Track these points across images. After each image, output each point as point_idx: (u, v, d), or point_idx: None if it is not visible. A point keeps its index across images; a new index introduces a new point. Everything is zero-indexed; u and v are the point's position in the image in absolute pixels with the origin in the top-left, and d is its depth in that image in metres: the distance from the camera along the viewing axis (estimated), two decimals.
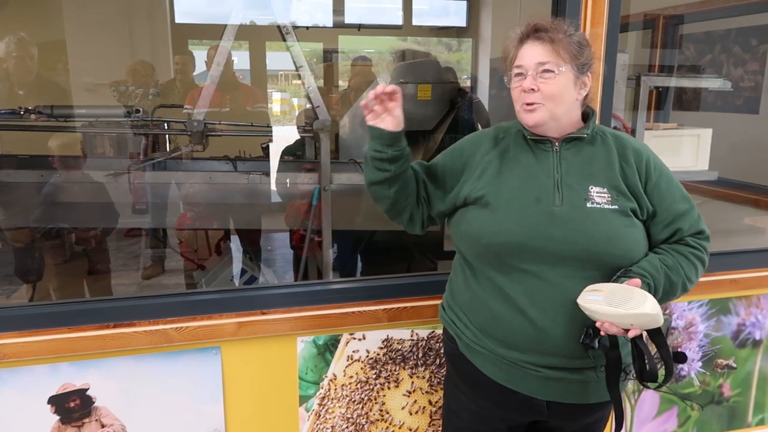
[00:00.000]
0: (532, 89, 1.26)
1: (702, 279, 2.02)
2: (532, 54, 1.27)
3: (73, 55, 4.67)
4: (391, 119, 1.32)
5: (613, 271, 1.25)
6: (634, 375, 1.23)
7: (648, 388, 1.24)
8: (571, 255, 1.24)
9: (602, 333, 1.19)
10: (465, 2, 5.75)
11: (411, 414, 1.89)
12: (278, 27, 2.74)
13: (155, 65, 4.27)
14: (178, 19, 5.21)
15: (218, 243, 3.03)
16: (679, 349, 1.46)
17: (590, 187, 1.28)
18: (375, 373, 1.82)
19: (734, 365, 2.12)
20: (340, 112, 3.58)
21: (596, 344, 1.21)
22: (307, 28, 3.14)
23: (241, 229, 3.10)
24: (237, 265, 3.01)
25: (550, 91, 1.26)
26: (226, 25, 2.70)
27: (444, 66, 3.12)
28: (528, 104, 1.28)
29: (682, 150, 2.83)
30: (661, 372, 1.21)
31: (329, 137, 2.58)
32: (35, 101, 2.63)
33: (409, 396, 1.87)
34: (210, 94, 2.58)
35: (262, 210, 2.82)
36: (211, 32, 5.16)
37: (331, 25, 3.53)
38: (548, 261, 1.25)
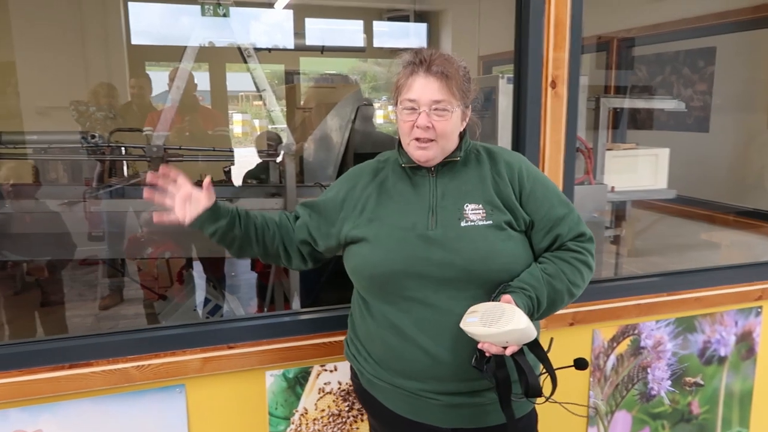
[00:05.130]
0: (428, 126, 1.25)
1: (667, 298, 2.08)
2: (428, 90, 1.24)
3: (24, 78, 4.51)
4: (186, 209, 1.29)
5: (496, 288, 1.24)
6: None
7: (536, 403, 1.23)
8: (451, 276, 1.24)
9: (487, 354, 1.18)
10: (425, 24, 5.83)
11: None
12: (239, 49, 2.70)
13: (112, 84, 4.15)
14: (134, 41, 5.09)
15: (180, 271, 2.92)
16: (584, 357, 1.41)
17: (465, 206, 1.29)
18: (347, 406, 1.77)
19: (702, 382, 2.15)
20: (303, 134, 3.55)
21: (484, 366, 1.20)
22: (269, 50, 3.10)
23: (203, 257, 3.00)
24: (200, 294, 2.91)
25: (443, 129, 1.26)
26: (185, 47, 2.64)
27: None
28: (421, 140, 1.26)
29: (641, 169, 2.90)
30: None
31: (294, 160, 2.54)
32: None
33: None
34: (170, 117, 2.52)
35: None
36: (169, 54, 5.07)
37: (292, 47, 3.51)
38: (430, 286, 1.25)
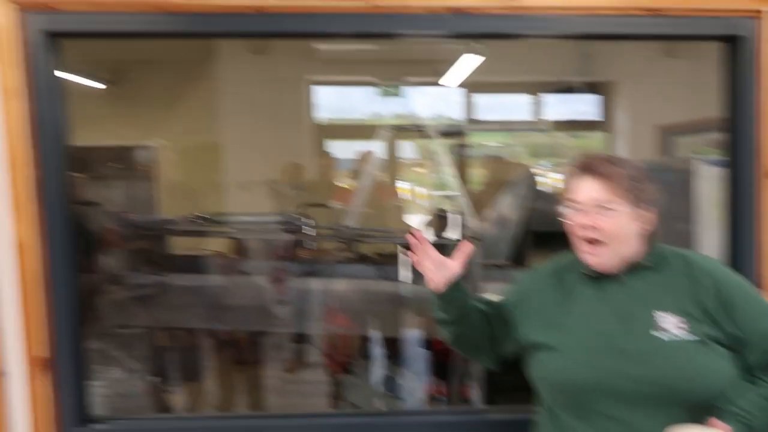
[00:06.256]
0: (591, 226, 1.23)
1: None
2: (588, 190, 1.25)
3: (227, 156, 5.17)
4: (438, 274, 1.27)
5: (697, 407, 1.17)
6: None
7: None
8: (649, 394, 1.18)
9: None
10: (597, 96, 5.70)
11: None
12: (420, 127, 2.85)
13: (300, 164, 4.61)
14: (320, 120, 5.62)
15: (361, 344, 3.04)
16: None
17: (660, 316, 1.21)
18: None
19: None
20: (475, 210, 3.58)
21: None
22: (447, 133, 3.26)
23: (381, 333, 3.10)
24: (378, 368, 3.00)
25: (609, 229, 1.23)
26: (375, 129, 2.84)
27: None
28: (588, 242, 1.25)
29: None
30: None
31: (478, 244, 2.57)
32: None
33: None
34: (362, 200, 2.70)
35: (405, 313, 2.83)
36: (350, 131, 5.55)
37: (466, 122, 3.64)
38: (626, 401, 1.19)
